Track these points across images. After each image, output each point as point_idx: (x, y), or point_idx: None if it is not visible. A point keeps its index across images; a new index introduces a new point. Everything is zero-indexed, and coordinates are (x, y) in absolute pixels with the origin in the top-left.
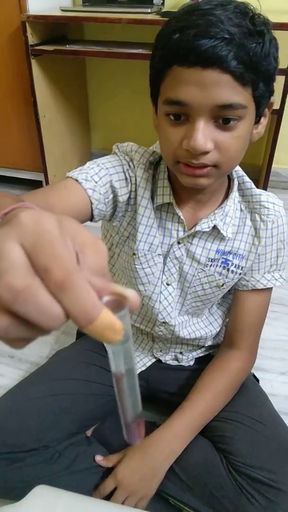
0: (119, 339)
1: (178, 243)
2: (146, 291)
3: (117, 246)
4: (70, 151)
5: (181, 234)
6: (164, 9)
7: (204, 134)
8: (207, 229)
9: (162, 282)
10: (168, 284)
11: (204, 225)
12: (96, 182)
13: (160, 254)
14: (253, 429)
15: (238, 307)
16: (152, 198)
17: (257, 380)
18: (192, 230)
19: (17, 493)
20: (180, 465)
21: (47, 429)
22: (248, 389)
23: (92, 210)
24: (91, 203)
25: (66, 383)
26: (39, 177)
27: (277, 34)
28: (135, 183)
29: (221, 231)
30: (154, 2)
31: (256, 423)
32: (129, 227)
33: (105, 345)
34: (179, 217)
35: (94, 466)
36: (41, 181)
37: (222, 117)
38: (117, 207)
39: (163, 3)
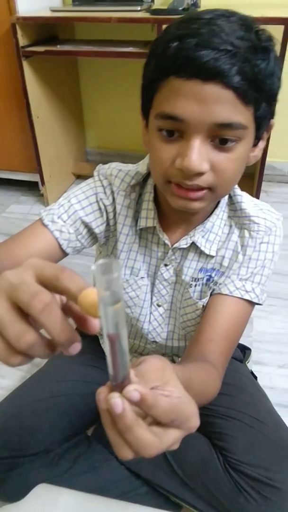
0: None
1: (166, 265)
2: (133, 313)
3: None
4: (65, 151)
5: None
6: (154, 7)
7: (200, 154)
8: (185, 246)
9: (152, 303)
10: (159, 305)
11: (183, 242)
12: (64, 221)
13: (144, 277)
14: (251, 427)
15: (209, 312)
16: (136, 220)
17: (255, 378)
18: (171, 248)
19: (17, 497)
20: (178, 463)
21: (47, 432)
22: (247, 387)
23: (63, 250)
24: (60, 244)
25: (64, 384)
26: (35, 177)
27: (267, 28)
28: (114, 211)
29: (201, 248)
30: None
31: (254, 421)
32: (115, 251)
33: (98, 308)
34: (164, 241)
35: (95, 467)
36: (36, 182)
37: (220, 137)
38: (97, 237)
39: (152, 1)
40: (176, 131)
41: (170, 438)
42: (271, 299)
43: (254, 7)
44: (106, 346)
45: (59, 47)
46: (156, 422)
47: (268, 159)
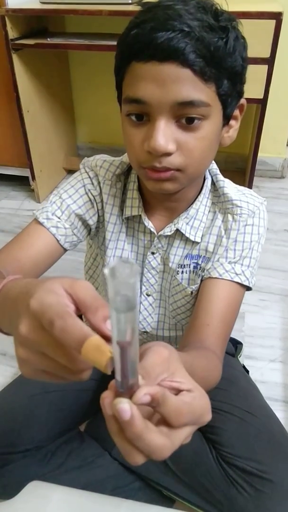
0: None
1: (153, 253)
2: None
3: (101, 257)
4: (55, 146)
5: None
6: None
7: (165, 134)
8: (169, 233)
9: (141, 293)
10: (148, 295)
11: (167, 229)
12: (59, 218)
13: None
14: (243, 420)
15: (202, 297)
16: (123, 209)
17: (247, 372)
18: (157, 236)
19: (10, 494)
20: (171, 457)
21: (39, 428)
22: (239, 381)
23: (61, 245)
24: (58, 240)
25: None
26: (25, 172)
27: (257, 23)
28: (101, 201)
29: (186, 235)
30: None
31: (246, 414)
32: (105, 241)
33: (109, 313)
34: (150, 228)
35: (88, 463)
36: (27, 177)
37: (185, 116)
38: (91, 228)
39: None
40: (144, 114)
41: (182, 436)
42: (263, 294)
43: (246, 2)
44: (115, 353)
45: (49, 40)
46: (165, 421)
47: (259, 154)
